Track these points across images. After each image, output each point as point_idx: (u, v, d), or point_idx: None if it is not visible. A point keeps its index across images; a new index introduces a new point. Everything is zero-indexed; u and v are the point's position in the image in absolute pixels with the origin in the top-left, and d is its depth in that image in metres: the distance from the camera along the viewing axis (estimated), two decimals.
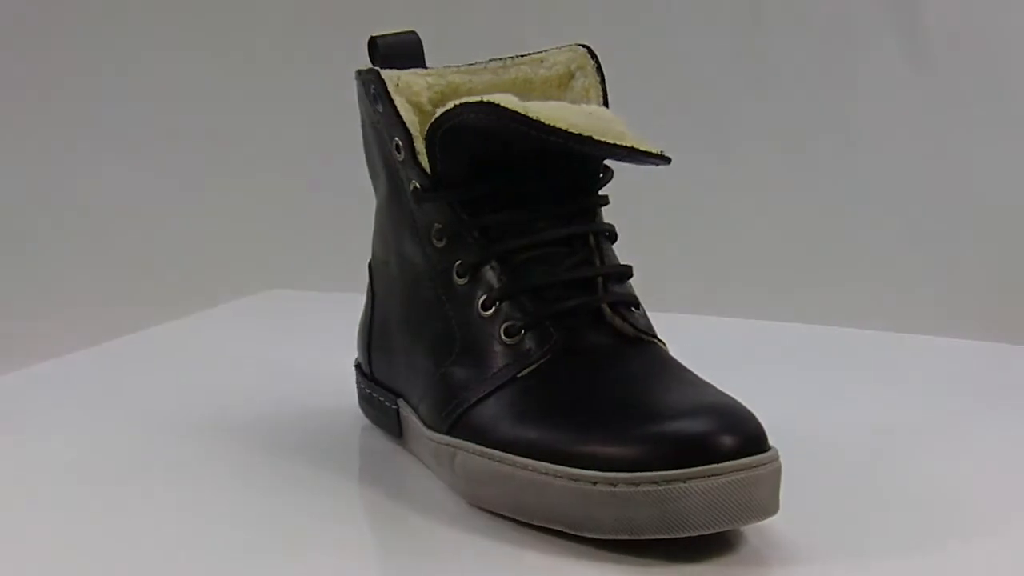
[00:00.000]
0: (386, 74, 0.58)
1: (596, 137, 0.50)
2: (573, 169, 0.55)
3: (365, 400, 0.64)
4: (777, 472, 0.47)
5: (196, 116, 1.03)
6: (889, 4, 1.06)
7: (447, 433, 0.53)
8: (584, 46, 0.58)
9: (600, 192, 0.57)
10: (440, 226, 0.55)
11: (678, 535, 0.46)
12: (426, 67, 0.60)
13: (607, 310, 0.53)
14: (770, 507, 0.47)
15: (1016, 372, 0.77)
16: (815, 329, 0.92)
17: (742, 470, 0.46)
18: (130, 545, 0.49)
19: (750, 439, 0.47)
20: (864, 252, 1.09)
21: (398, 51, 0.59)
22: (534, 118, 0.50)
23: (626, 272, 0.55)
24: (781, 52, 1.05)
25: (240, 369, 0.75)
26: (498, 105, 0.51)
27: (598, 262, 0.54)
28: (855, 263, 1.08)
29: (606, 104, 0.57)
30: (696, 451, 0.45)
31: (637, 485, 0.45)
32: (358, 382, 0.65)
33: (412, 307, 0.58)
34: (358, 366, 0.65)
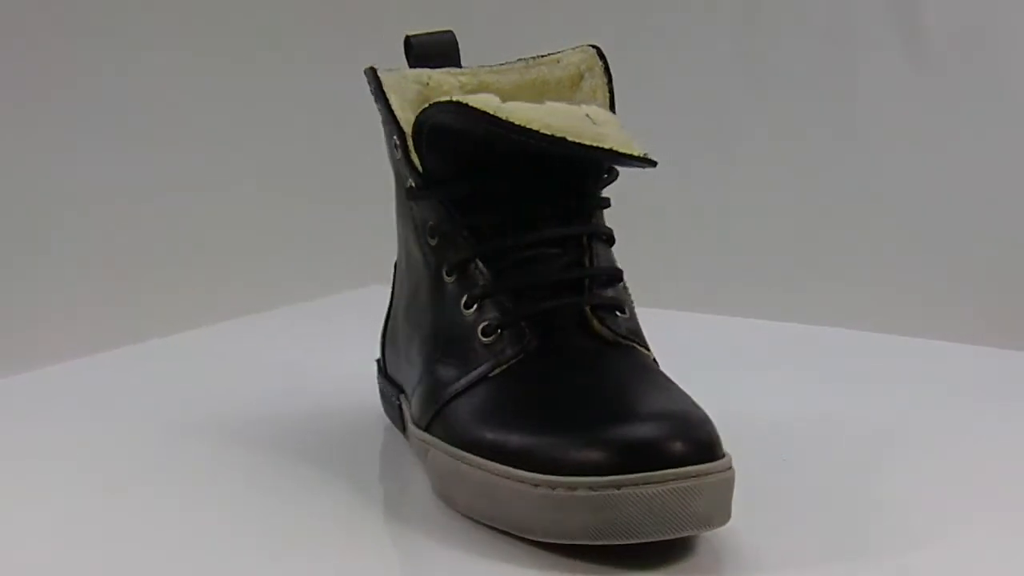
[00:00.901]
0: (385, 72, 0.58)
1: (570, 138, 0.49)
2: (569, 169, 0.54)
3: (381, 395, 0.65)
4: (724, 483, 0.46)
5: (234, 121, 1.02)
6: (889, 4, 1.06)
7: (425, 429, 0.54)
8: (594, 47, 0.58)
9: (603, 193, 0.57)
10: (432, 224, 0.56)
11: (612, 542, 0.45)
12: (460, 66, 0.60)
13: (589, 313, 0.53)
14: (714, 518, 0.46)
15: (1014, 377, 0.77)
16: (811, 330, 0.93)
17: (681, 479, 0.45)
18: (142, 544, 0.49)
19: (697, 447, 0.46)
20: (864, 251, 1.09)
21: (432, 50, 0.60)
22: (503, 118, 0.50)
23: (615, 275, 0.55)
24: (781, 52, 1.05)
25: (289, 371, 0.77)
26: (466, 105, 0.51)
27: (587, 264, 0.54)
28: (855, 262, 1.08)
29: (612, 105, 0.57)
30: (634, 457, 0.45)
31: (574, 490, 0.45)
32: (377, 378, 0.66)
33: (413, 303, 0.58)
34: (378, 362, 0.66)
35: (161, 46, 0.96)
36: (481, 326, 0.53)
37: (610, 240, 0.56)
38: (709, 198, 1.05)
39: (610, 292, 0.54)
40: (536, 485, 0.46)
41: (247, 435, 0.63)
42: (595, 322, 0.53)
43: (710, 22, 1.03)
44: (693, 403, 0.49)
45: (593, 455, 0.45)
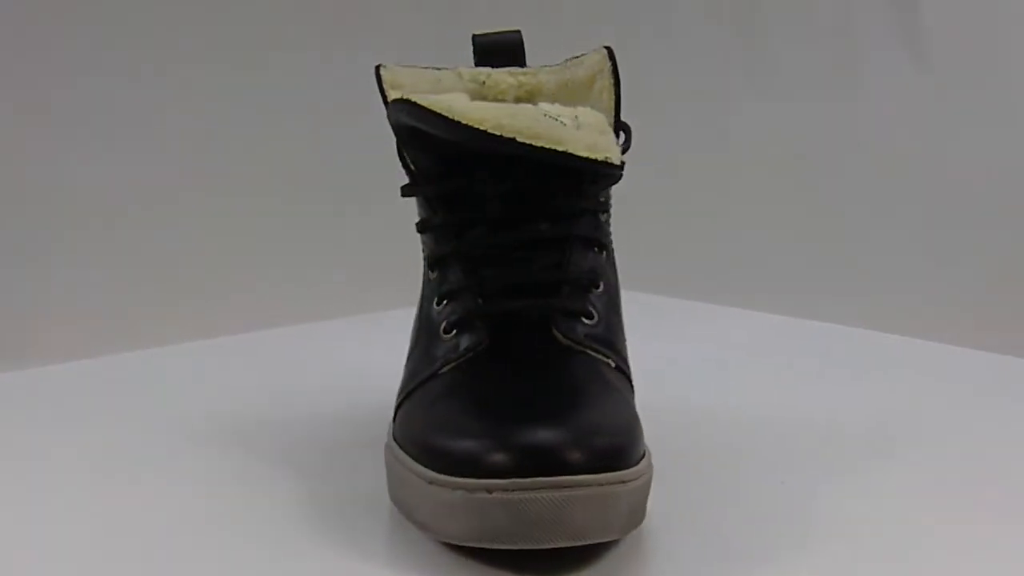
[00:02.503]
0: (401, 68, 0.58)
1: (520, 139, 0.49)
2: (557, 171, 0.53)
3: None
4: (604, 496, 0.44)
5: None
6: (890, 3, 1.07)
7: (392, 422, 0.53)
8: (607, 48, 0.58)
9: (599, 196, 0.55)
10: (421, 220, 0.56)
11: (486, 546, 0.44)
12: (524, 65, 0.60)
13: (549, 317, 0.52)
14: (589, 531, 0.44)
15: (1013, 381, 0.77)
16: (809, 326, 0.93)
17: (555, 488, 0.43)
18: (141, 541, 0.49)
19: (592, 456, 0.44)
20: (863, 250, 1.09)
21: (495, 49, 0.60)
22: (451, 118, 0.50)
23: (590, 281, 0.54)
24: (781, 52, 1.05)
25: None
26: (417, 104, 0.51)
27: (562, 268, 0.53)
28: (854, 262, 1.08)
29: (617, 106, 0.56)
30: (529, 462, 0.43)
31: (452, 490, 0.44)
32: None
33: (420, 300, 0.59)
34: None
35: (207, 59, 0.96)
36: (444, 323, 0.53)
37: (598, 245, 0.55)
38: (707, 197, 1.06)
39: (578, 298, 0.53)
40: (430, 482, 0.45)
41: (272, 441, 0.63)
42: (552, 327, 0.52)
43: (710, 21, 1.04)
44: (623, 413, 0.48)
45: (493, 457, 0.43)
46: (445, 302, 0.53)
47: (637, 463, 0.46)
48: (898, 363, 0.82)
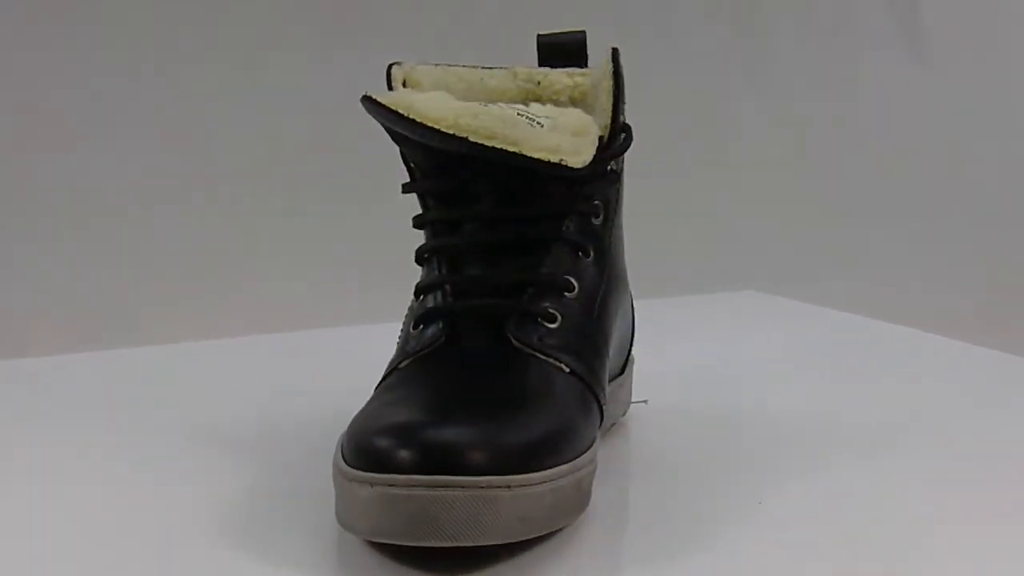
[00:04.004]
0: (426, 66, 0.58)
1: (472, 138, 0.50)
2: (514, 170, 0.52)
3: None
4: (479, 500, 0.43)
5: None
6: (890, 3, 1.07)
7: None
8: (614, 49, 0.58)
9: (591, 199, 0.55)
10: (416, 216, 0.57)
11: (372, 539, 0.45)
12: (586, 66, 0.60)
13: (505, 319, 0.52)
14: (462, 535, 0.43)
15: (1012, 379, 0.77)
16: (810, 325, 0.93)
17: (427, 487, 0.42)
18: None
19: (495, 457, 0.43)
20: (863, 250, 1.09)
21: (558, 50, 0.60)
22: (405, 115, 0.50)
23: (562, 286, 0.53)
24: (781, 51, 1.05)
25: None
26: (375, 100, 0.51)
27: (535, 270, 0.53)
28: (854, 261, 1.09)
29: (615, 107, 0.56)
30: (430, 460, 0.43)
31: (350, 482, 0.44)
32: None
33: None
34: None
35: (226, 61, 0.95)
36: (414, 318, 0.53)
37: (583, 249, 0.54)
38: (707, 196, 1.06)
39: (542, 301, 0.52)
40: (338, 475, 0.46)
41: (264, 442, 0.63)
42: (511, 329, 0.51)
43: (710, 21, 1.04)
44: (545, 420, 0.47)
45: (399, 454, 0.43)
46: (421, 297, 0.54)
47: (541, 470, 0.45)
48: (898, 357, 0.82)
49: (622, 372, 0.62)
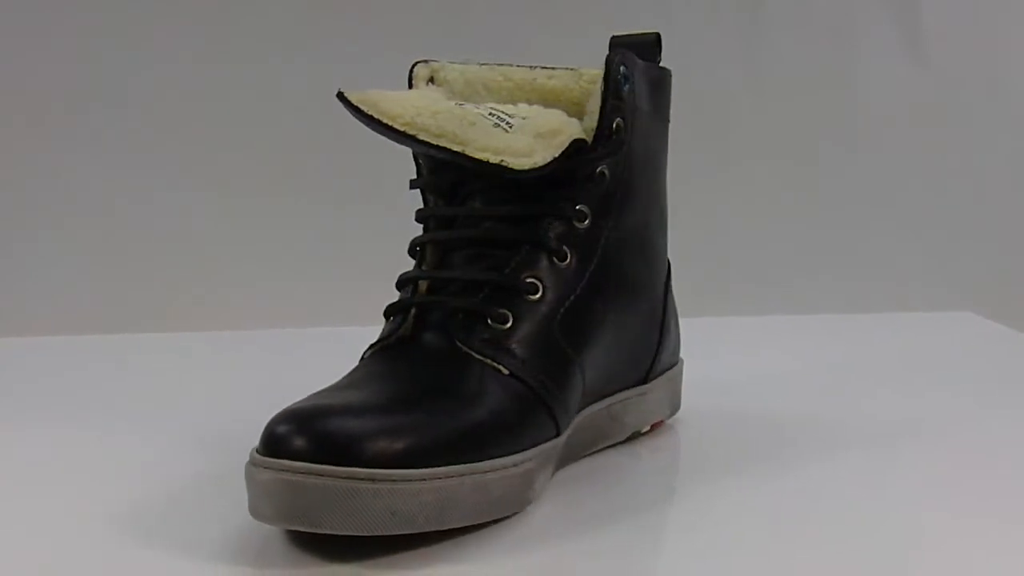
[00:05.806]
0: (455, 65, 0.59)
1: (421, 136, 0.51)
2: (484, 172, 0.53)
3: None
4: (341, 491, 0.44)
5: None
6: (890, 3, 1.07)
7: None
8: (607, 55, 0.58)
9: (574, 203, 0.55)
10: (419, 211, 0.58)
11: (264, 522, 0.46)
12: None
13: (451, 317, 0.52)
14: (324, 520, 0.44)
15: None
16: (809, 324, 0.93)
17: (294, 472, 0.44)
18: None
19: (372, 452, 0.44)
20: (863, 249, 1.09)
21: (631, 50, 0.59)
22: (365, 111, 0.51)
23: (528, 288, 0.53)
24: (781, 50, 1.05)
25: None
26: (344, 96, 0.52)
27: (499, 270, 0.53)
28: (854, 260, 1.08)
29: (603, 108, 0.55)
30: (323, 449, 0.44)
31: (254, 467, 0.46)
32: None
33: None
34: None
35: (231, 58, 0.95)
36: (384, 309, 0.55)
37: (559, 254, 0.54)
38: (706, 196, 1.05)
39: (495, 302, 0.52)
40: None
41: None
42: (455, 328, 0.52)
43: (710, 20, 1.03)
44: (451, 418, 0.48)
45: (291, 441, 0.45)
46: (402, 289, 0.56)
47: (419, 467, 0.45)
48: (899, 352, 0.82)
49: (645, 381, 0.62)
